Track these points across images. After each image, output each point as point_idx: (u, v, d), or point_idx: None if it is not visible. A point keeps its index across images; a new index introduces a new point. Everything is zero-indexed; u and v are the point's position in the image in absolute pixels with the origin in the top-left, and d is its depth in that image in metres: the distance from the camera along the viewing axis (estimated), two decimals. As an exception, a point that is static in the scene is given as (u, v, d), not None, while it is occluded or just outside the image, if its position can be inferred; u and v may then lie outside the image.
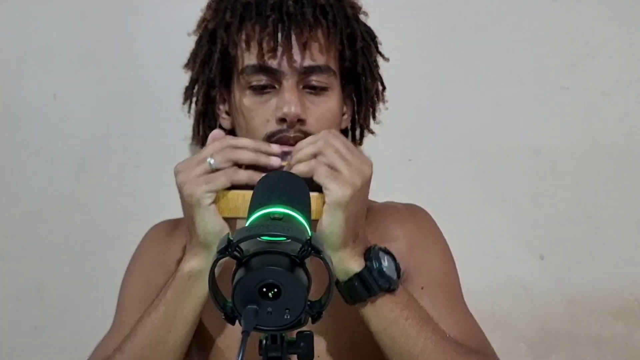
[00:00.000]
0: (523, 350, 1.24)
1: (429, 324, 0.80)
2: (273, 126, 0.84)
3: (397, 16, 1.18)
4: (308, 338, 0.64)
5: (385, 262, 0.77)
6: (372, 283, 0.75)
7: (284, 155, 0.80)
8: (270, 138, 0.84)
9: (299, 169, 0.75)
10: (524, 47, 1.20)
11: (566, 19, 1.20)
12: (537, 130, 1.22)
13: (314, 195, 0.74)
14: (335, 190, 0.73)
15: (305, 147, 0.76)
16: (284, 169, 0.77)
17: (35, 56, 1.19)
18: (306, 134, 0.82)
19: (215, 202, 0.75)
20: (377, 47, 0.96)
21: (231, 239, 0.57)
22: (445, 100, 1.21)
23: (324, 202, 0.74)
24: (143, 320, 0.80)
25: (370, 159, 0.77)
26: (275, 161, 0.78)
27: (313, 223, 0.74)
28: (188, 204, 0.76)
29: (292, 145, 0.81)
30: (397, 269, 0.79)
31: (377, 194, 0.92)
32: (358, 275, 0.76)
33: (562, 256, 1.23)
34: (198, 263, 0.77)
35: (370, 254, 0.77)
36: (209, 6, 0.94)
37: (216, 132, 0.82)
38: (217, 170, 0.76)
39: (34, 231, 1.22)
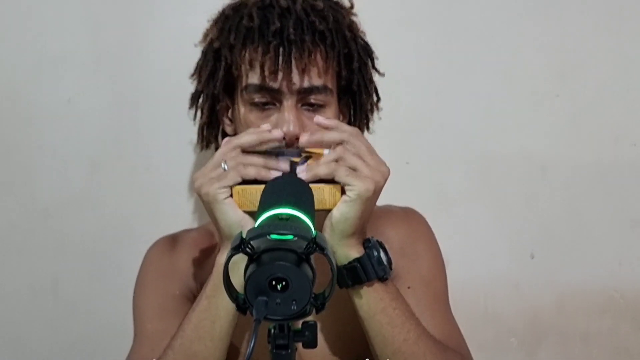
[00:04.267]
0: (514, 344, 1.30)
1: (413, 317, 0.87)
2: (273, 142, 0.89)
3: (394, 25, 1.23)
4: (312, 327, 0.69)
5: (382, 254, 0.84)
6: (370, 269, 0.83)
7: (295, 154, 0.85)
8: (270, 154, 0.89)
9: (320, 171, 0.81)
10: (516, 55, 1.26)
11: (556, 29, 1.26)
12: (529, 135, 1.27)
13: (327, 186, 0.81)
14: (359, 185, 0.80)
15: (327, 156, 0.82)
16: (299, 166, 0.83)
17: (50, 62, 1.24)
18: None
19: (233, 197, 0.82)
20: (373, 64, 1.02)
21: (244, 237, 0.63)
22: (440, 105, 1.27)
23: (338, 193, 0.81)
24: (189, 316, 0.86)
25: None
26: (283, 167, 0.83)
27: (325, 212, 0.82)
28: (207, 203, 0.83)
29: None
30: (389, 262, 0.85)
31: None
32: (358, 260, 0.83)
33: (552, 255, 1.29)
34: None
35: (369, 243, 0.85)
36: (214, 23, 0.99)
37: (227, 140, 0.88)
38: None
39: (49, 229, 1.27)
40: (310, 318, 0.67)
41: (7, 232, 1.27)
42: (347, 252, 0.83)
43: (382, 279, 0.84)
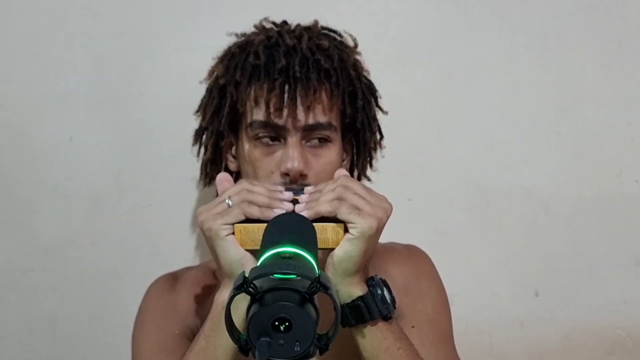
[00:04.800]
0: (520, 384, 1.28)
1: (417, 358, 0.85)
2: (277, 178, 0.91)
3: (394, 62, 1.24)
4: None
5: (385, 292, 0.83)
6: (373, 307, 0.81)
7: (295, 192, 0.85)
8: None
9: (322, 209, 0.79)
10: (517, 92, 1.27)
11: (556, 66, 1.27)
12: (530, 171, 1.27)
13: (329, 225, 0.80)
14: (362, 223, 0.78)
15: (325, 194, 0.81)
16: (297, 206, 0.82)
17: (53, 100, 1.25)
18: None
19: (235, 234, 0.80)
20: (377, 102, 1.03)
21: (246, 276, 0.62)
22: (442, 142, 1.27)
23: (341, 231, 0.80)
24: (186, 357, 0.84)
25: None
26: (287, 206, 0.82)
27: (327, 251, 0.81)
28: (209, 238, 0.82)
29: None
30: (393, 301, 0.84)
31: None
32: (362, 299, 0.81)
33: (556, 292, 1.27)
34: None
35: (373, 281, 0.84)
36: (220, 61, 1.00)
37: (222, 176, 0.88)
38: None
39: (49, 267, 1.26)
40: (313, 359, 0.65)
41: (6, 269, 1.26)
42: (351, 290, 0.82)
43: (386, 318, 0.83)
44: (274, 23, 1.03)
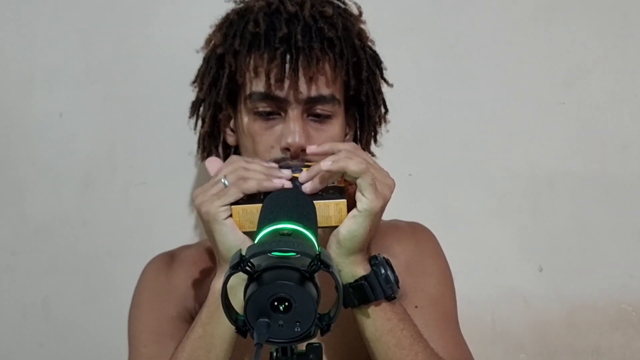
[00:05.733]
0: (523, 360, 1.27)
1: (421, 339, 0.83)
2: (277, 153, 0.88)
3: (396, 35, 1.21)
4: (317, 350, 0.66)
5: (389, 271, 0.80)
6: (377, 287, 0.79)
7: (298, 168, 0.82)
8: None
9: (351, 166, 0.76)
10: (521, 65, 1.24)
11: (561, 38, 1.24)
12: (535, 144, 1.24)
13: (332, 202, 0.77)
14: (372, 200, 0.76)
15: (347, 154, 0.78)
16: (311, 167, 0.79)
17: (42, 76, 1.22)
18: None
19: (233, 217, 0.77)
20: (382, 73, 0.99)
21: (243, 255, 0.59)
22: (444, 116, 1.24)
23: (344, 209, 0.77)
24: (182, 344, 0.82)
25: None
26: (286, 174, 0.80)
27: (329, 230, 0.78)
28: (206, 222, 0.79)
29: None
30: (396, 280, 0.81)
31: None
32: (365, 278, 0.79)
33: (560, 268, 1.25)
34: None
35: (376, 260, 0.81)
36: (218, 29, 0.96)
37: (211, 158, 0.86)
38: None
39: (40, 247, 1.23)
40: (314, 340, 0.63)
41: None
42: (354, 269, 0.79)
43: (390, 298, 0.80)
44: None
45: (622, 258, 1.25)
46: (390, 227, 1.00)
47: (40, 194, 1.23)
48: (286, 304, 0.58)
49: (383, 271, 0.80)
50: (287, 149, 0.87)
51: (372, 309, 0.80)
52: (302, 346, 0.65)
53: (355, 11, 0.99)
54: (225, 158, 0.99)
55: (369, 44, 0.98)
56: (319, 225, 0.75)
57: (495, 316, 1.26)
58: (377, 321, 0.80)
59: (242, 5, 0.96)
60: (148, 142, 1.22)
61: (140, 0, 1.21)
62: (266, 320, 0.58)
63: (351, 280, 0.79)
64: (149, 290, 1.00)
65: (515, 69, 1.23)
